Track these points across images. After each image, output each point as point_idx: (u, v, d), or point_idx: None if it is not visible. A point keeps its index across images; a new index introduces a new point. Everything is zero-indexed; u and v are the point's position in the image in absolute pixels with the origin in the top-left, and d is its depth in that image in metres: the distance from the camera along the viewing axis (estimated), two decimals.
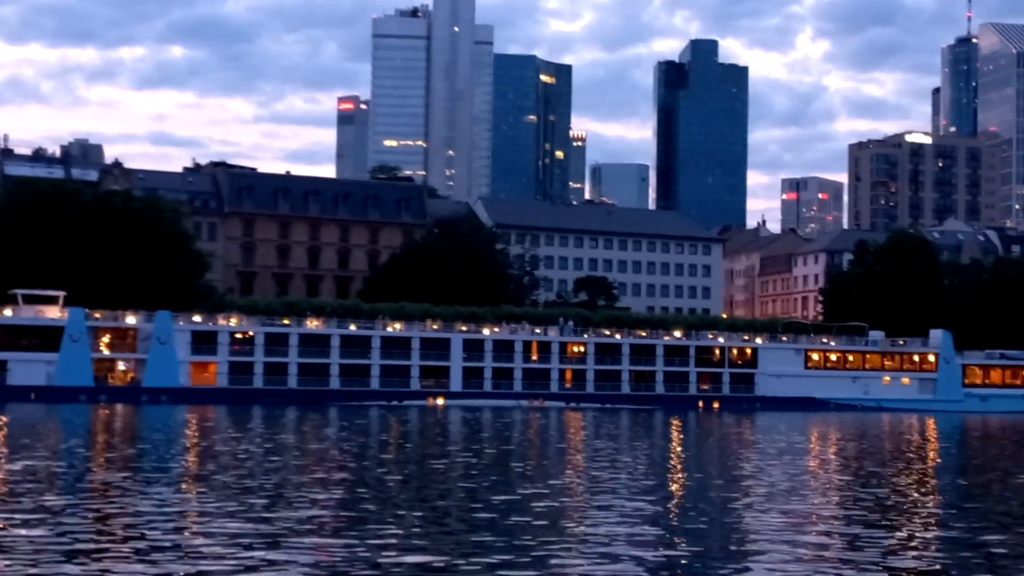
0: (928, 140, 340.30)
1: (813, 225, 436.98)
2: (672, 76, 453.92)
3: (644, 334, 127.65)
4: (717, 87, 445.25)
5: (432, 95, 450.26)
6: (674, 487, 39.58)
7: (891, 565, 23.31)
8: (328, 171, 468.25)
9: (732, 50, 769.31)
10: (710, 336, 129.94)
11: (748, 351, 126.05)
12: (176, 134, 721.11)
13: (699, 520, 30.27)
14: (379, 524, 27.04)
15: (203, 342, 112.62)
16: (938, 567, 23.91)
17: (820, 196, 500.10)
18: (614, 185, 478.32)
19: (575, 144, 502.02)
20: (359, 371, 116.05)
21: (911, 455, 57.60)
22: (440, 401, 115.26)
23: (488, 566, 21.97)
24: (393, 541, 24.30)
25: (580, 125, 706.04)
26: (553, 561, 22.79)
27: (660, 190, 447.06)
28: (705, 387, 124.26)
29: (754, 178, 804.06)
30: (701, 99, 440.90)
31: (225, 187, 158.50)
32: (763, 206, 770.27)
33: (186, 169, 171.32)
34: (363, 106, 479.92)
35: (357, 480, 38.68)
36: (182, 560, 20.97)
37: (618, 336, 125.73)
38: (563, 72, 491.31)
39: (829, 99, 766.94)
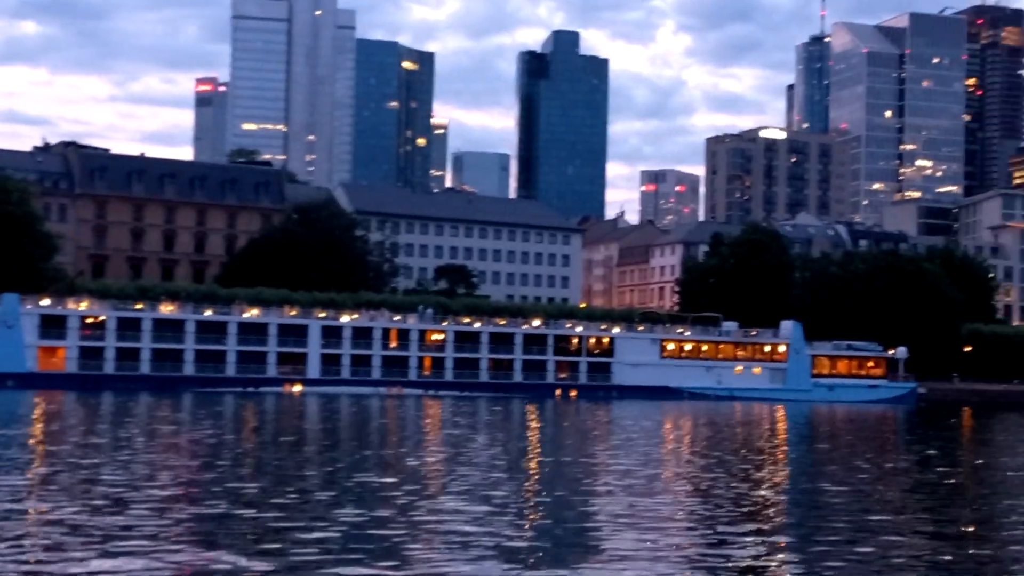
0: (782, 136, 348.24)
1: (671, 217, 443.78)
2: (534, 66, 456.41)
3: (503, 322, 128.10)
4: (578, 78, 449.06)
5: (293, 79, 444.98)
6: (527, 473, 39.78)
7: (734, 548, 23.78)
8: (185, 154, 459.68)
9: (595, 42, 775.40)
10: (568, 325, 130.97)
11: (605, 340, 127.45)
12: (26, 112, 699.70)
13: (549, 507, 30.47)
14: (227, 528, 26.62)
15: (52, 326, 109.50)
16: (777, 546, 24.49)
17: (678, 188, 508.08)
18: (476, 173, 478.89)
19: (437, 132, 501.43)
20: (214, 357, 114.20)
21: (759, 443, 58.91)
22: (297, 388, 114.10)
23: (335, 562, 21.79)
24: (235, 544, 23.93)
25: (443, 113, 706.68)
26: (404, 551, 22.69)
27: (521, 179, 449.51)
28: (563, 375, 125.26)
29: (614, 169, 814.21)
30: (562, 90, 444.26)
31: (76, 168, 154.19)
32: (623, 197, 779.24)
33: (36, 148, 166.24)
34: (222, 88, 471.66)
35: (205, 471, 38.04)
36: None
37: (477, 324, 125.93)
38: (426, 59, 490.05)
39: (689, 93, 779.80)
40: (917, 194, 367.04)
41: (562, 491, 33.68)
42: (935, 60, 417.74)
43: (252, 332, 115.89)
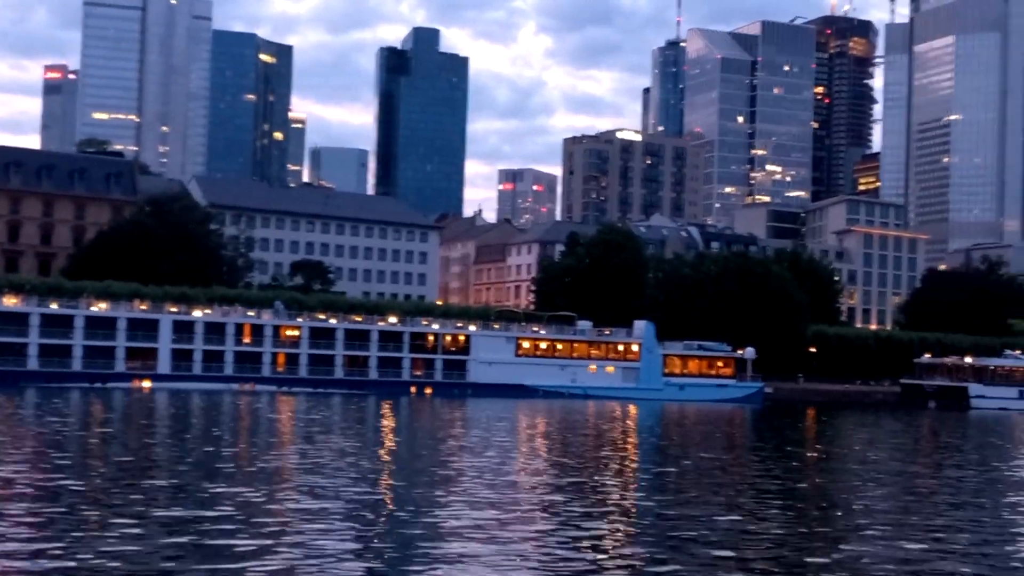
0: (638, 138, 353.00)
1: (528, 216, 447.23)
2: (394, 63, 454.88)
3: (359, 319, 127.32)
4: (438, 76, 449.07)
5: (146, 68, 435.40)
6: (379, 470, 39.72)
7: (580, 546, 24.13)
8: (33, 142, 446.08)
9: (456, 40, 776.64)
10: (424, 323, 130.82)
11: (461, 338, 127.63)
12: None
13: (397, 505, 30.48)
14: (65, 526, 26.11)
15: None
16: (626, 537, 24.93)
17: (535, 188, 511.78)
18: (333, 169, 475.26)
19: (295, 126, 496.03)
20: (60, 351, 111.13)
21: (611, 439, 59.73)
22: (146, 384, 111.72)
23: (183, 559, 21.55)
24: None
25: (301, 107, 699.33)
26: (259, 549, 22.50)
27: (380, 176, 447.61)
28: (418, 373, 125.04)
29: (473, 167, 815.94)
30: (422, 87, 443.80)
31: None
32: (481, 195, 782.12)
33: None
34: (72, 76, 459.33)
35: (44, 471, 37.16)
36: None
37: (333, 321, 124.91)
38: (284, 52, 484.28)
39: (549, 94, 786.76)
40: (767, 198, 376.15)
41: (411, 489, 33.70)
42: (786, 68, 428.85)
43: (100, 326, 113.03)
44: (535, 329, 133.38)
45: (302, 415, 74.07)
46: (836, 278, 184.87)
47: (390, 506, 29.87)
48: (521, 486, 35.63)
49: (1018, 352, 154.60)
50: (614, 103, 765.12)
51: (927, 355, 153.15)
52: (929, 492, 39.83)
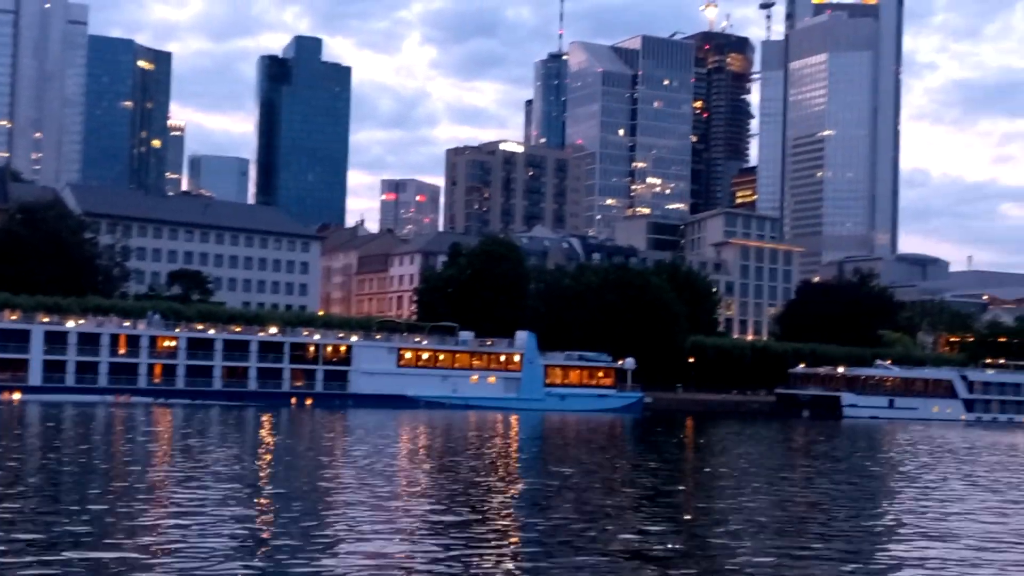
0: (520, 149, 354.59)
1: (411, 226, 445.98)
2: (276, 71, 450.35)
3: (238, 330, 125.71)
4: (321, 85, 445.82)
5: (19, 73, 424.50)
6: (256, 484, 39.35)
7: (460, 554, 24.24)
8: None
9: (340, 50, 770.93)
10: (305, 333, 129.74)
11: (342, 348, 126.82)
12: None
13: (276, 518, 30.26)
14: None
15: None
16: (498, 548, 25.11)
17: (418, 198, 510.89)
18: (213, 178, 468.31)
19: (174, 134, 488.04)
20: None
21: (490, 451, 59.91)
22: (16, 396, 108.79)
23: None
24: None
25: (181, 115, 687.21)
26: (127, 564, 22.19)
27: (260, 185, 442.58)
28: (299, 384, 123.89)
29: (356, 177, 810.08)
30: (304, 96, 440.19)
31: None
32: (364, 205, 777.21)
33: None
34: None
35: None
36: None
37: (211, 331, 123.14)
38: (163, 59, 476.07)
39: (433, 105, 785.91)
40: (647, 210, 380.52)
41: (287, 504, 33.46)
42: (665, 82, 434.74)
43: None
44: (417, 340, 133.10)
45: (177, 427, 72.90)
46: (714, 289, 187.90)
47: (260, 523, 29.63)
48: (398, 498, 35.60)
49: (888, 362, 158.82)
50: (498, 115, 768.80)
51: (801, 365, 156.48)
52: (800, 500, 40.75)
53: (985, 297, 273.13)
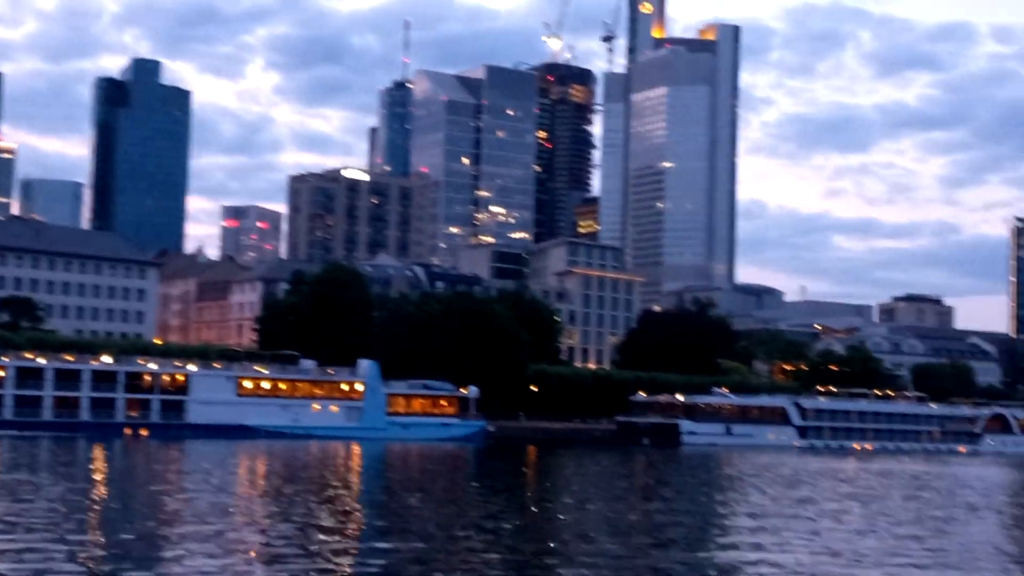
0: (365, 177, 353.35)
1: (252, 253, 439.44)
2: (112, 93, 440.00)
3: (70, 358, 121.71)
4: (159, 108, 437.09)
5: None
6: (82, 519, 37.99)
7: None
8: None
9: (182, 73, 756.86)
10: (141, 362, 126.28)
11: (179, 378, 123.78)
12: None
13: (102, 556, 29.21)
14: None
15: None
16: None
17: (260, 225, 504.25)
18: (46, 202, 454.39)
19: (5, 156, 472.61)
20: None
21: (330, 482, 59.06)
22: None
23: None
24: None
25: (13, 137, 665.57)
26: None
27: (96, 210, 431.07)
28: (134, 414, 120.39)
29: (196, 203, 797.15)
30: (142, 119, 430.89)
31: None
32: (204, 232, 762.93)
33: None
34: None
35: None
36: None
37: (41, 360, 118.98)
38: None
39: (277, 131, 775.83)
40: (491, 239, 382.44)
41: (115, 537, 32.32)
42: (509, 112, 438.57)
43: None
44: (257, 368, 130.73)
45: (20, 459, 70.11)
46: (557, 318, 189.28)
47: (87, 561, 28.53)
48: (231, 531, 34.70)
49: (725, 390, 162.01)
50: (342, 142, 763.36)
51: (641, 393, 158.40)
52: (636, 526, 41.04)
53: (817, 327, 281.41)
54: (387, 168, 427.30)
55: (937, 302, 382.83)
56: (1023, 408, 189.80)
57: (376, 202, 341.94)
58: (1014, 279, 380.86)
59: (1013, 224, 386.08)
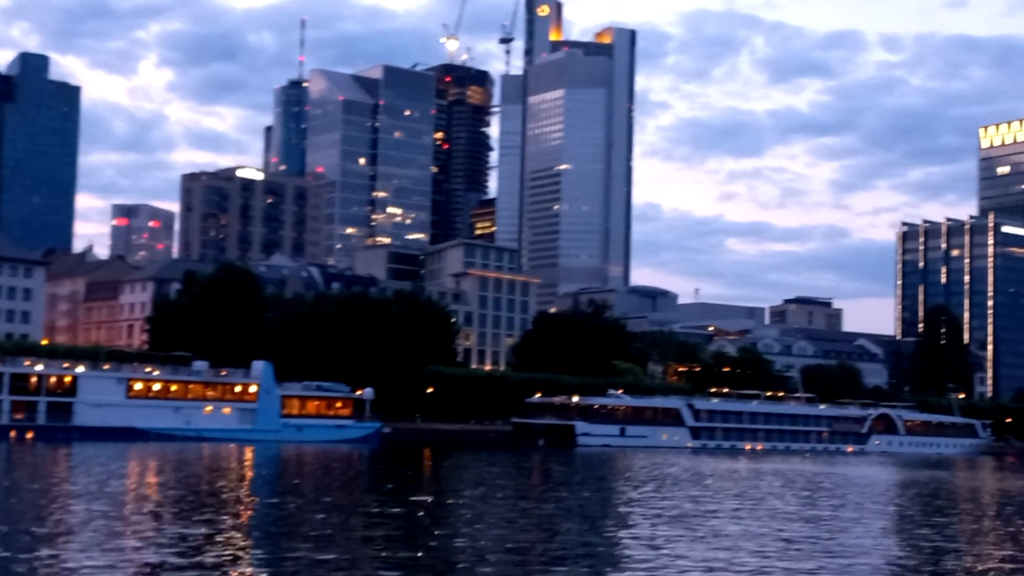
0: (259, 176, 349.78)
1: (143, 253, 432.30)
2: None
3: None
4: (47, 104, 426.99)
5: None
6: None
7: None
8: None
9: (72, 69, 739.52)
10: (27, 363, 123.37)
11: (67, 379, 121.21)
12: None
13: None
14: None
15: None
16: None
17: (151, 224, 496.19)
18: None
19: None
20: None
21: (221, 485, 58.31)
22: None
23: None
24: None
25: None
26: None
27: None
28: (19, 416, 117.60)
29: (85, 201, 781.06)
30: (29, 116, 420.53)
31: None
32: (93, 230, 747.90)
33: None
34: None
35: None
36: None
37: None
38: None
39: (170, 128, 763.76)
40: (387, 240, 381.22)
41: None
42: (406, 113, 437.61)
43: None
44: (148, 370, 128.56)
45: None
46: (453, 319, 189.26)
47: None
48: (119, 537, 34.04)
49: (620, 391, 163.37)
50: (237, 140, 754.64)
51: (537, 395, 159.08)
52: (532, 527, 41.14)
53: (711, 328, 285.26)
54: (282, 167, 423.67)
55: (826, 305, 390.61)
56: (908, 409, 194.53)
57: (271, 202, 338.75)
58: (900, 283, 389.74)
59: (900, 229, 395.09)
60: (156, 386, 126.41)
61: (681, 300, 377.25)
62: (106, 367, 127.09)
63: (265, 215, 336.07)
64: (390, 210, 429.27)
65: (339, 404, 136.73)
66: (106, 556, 29.22)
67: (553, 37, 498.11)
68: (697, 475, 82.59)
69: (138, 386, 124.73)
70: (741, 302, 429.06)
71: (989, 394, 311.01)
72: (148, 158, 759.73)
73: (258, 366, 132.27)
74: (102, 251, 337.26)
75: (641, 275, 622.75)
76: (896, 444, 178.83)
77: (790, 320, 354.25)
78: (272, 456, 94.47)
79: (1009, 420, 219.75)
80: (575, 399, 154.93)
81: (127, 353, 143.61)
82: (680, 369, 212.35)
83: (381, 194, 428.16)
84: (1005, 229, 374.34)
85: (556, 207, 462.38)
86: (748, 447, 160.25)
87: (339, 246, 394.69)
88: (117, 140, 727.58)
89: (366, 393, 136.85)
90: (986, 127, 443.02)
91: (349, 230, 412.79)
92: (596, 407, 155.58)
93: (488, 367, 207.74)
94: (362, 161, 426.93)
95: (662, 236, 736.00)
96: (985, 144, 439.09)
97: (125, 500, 47.94)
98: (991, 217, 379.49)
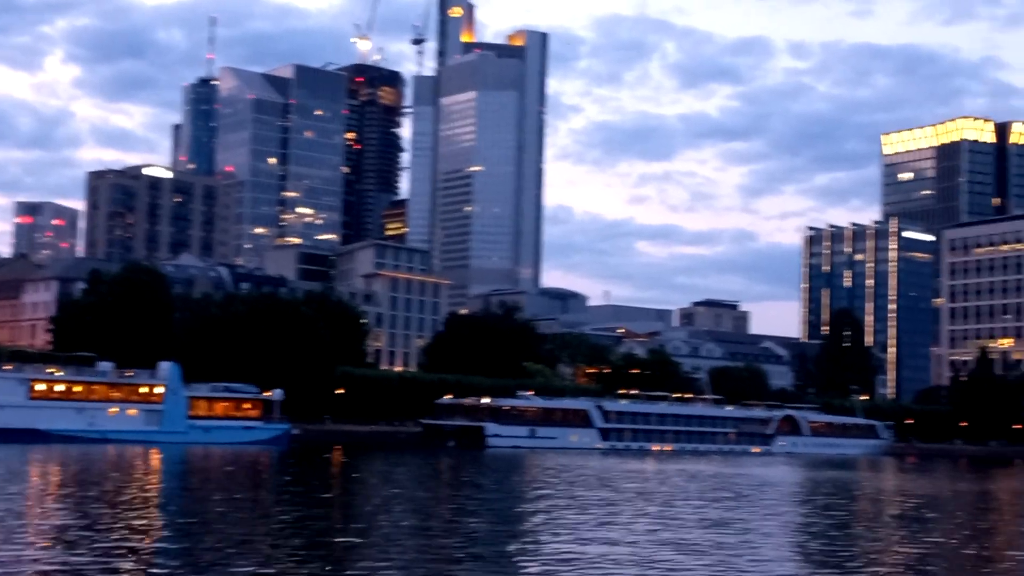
0: (168, 175, 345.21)
1: (47, 251, 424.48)
2: None
3: None
4: None
5: None
6: None
7: None
8: None
9: None
10: None
11: None
12: None
13: None
14: None
15: None
16: None
17: (56, 222, 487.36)
18: None
19: None
20: None
21: (122, 486, 57.66)
22: None
23: None
24: None
25: None
26: None
27: None
28: None
29: None
30: None
31: None
32: None
33: None
34: None
35: None
36: None
37: None
38: None
39: (76, 125, 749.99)
40: (298, 240, 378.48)
41: None
42: (318, 112, 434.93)
43: None
44: (51, 371, 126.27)
45: None
46: (363, 320, 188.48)
47: None
48: (15, 542, 33.60)
49: (530, 393, 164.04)
50: (145, 138, 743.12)
51: (448, 396, 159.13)
52: (433, 526, 41.29)
53: (620, 330, 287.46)
54: (191, 166, 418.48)
55: (734, 307, 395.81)
56: (812, 411, 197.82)
57: (179, 201, 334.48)
58: (806, 286, 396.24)
59: (805, 233, 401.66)
60: (59, 387, 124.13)
61: (591, 302, 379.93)
62: (8, 368, 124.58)
63: (173, 214, 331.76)
64: (300, 210, 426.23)
65: (247, 405, 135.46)
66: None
67: (465, 39, 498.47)
68: (603, 476, 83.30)
69: (40, 387, 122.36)
70: (651, 304, 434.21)
71: (891, 396, 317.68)
72: (53, 155, 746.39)
73: (165, 367, 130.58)
74: (4, 249, 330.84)
75: (552, 277, 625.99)
76: (801, 445, 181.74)
77: (698, 322, 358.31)
78: (178, 458, 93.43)
79: (910, 421, 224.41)
80: (485, 400, 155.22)
81: (29, 353, 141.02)
82: (590, 371, 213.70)
83: (292, 194, 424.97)
84: (907, 234, 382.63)
85: (468, 209, 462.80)
86: (656, 448, 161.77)
87: (249, 246, 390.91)
88: (21, 137, 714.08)
89: (275, 394, 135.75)
90: (889, 134, 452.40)
91: (259, 230, 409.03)
92: (506, 408, 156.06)
93: (399, 368, 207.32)
94: (272, 161, 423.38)
95: (573, 238, 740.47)
96: (888, 150, 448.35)
97: (24, 502, 47.24)
98: (894, 222, 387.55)
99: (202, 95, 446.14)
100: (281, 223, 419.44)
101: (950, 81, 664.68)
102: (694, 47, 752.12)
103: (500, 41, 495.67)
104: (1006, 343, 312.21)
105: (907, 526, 50.18)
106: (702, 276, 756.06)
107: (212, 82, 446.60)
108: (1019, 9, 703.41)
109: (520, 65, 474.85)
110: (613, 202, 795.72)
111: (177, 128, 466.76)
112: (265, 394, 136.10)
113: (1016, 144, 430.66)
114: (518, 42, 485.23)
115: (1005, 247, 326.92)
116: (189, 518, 42.32)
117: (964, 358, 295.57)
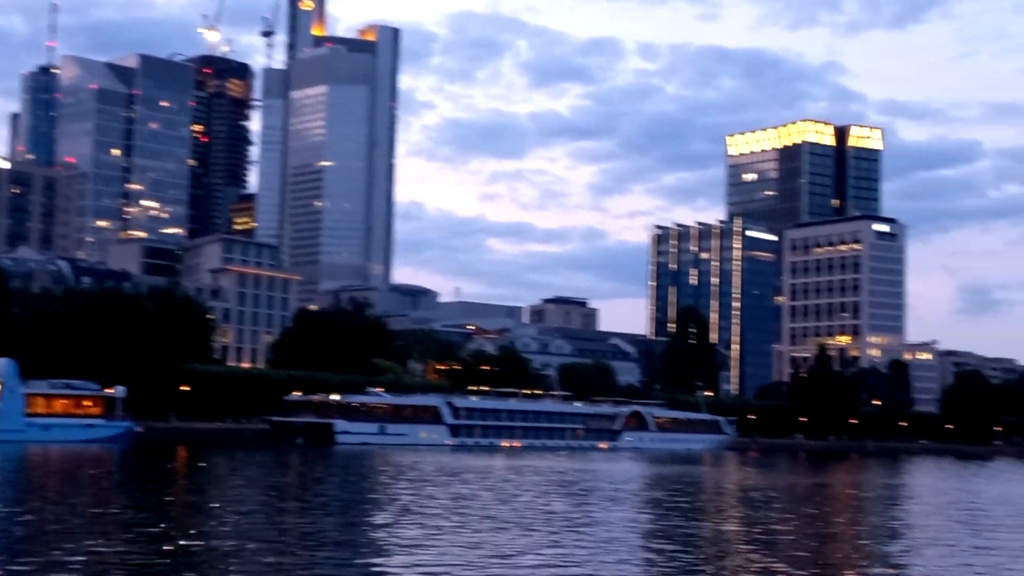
0: (6, 165, 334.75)
1: None
2: None
3: None
4: None
5: None
6: None
7: None
8: None
9: None
10: None
11: None
12: None
13: None
14: None
15: None
16: None
17: None
18: None
19: None
20: None
21: None
22: None
23: None
24: None
25: None
26: None
27: None
28: None
29: None
30: None
31: None
32: None
33: None
34: None
35: None
36: None
37: None
38: None
39: None
40: (142, 234, 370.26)
41: None
42: (163, 104, 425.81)
43: None
44: None
45: None
46: (210, 316, 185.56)
47: None
48: None
49: (380, 389, 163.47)
50: None
51: (296, 393, 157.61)
52: (281, 525, 40.94)
53: (471, 327, 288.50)
54: (30, 157, 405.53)
55: (583, 304, 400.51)
56: (659, 407, 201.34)
57: (17, 192, 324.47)
58: (653, 284, 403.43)
59: (653, 232, 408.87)
60: None
61: (442, 299, 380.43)
62: None
63: (11, 206, 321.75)
64: (145, 203, 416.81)
65: (88, 403, 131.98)
66: None
67: (316, 32, 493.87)
68: (451, 472, 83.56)
69: None
70: (501, 301, 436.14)
71: (735, 392, 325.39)
72: None
73: (1, 363, 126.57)
74: None
75: (403, 274, 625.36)
76: (647, 440, 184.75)
77: (548, 319, 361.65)
78: (15, 456, 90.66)
79: (752, 417, 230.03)
80: (334, 397, 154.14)
81: None
82: (440, 367, 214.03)
83: (136, 186, 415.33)
84: (750, 233, 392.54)
85: (318, 204, 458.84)
86: (506, 444, 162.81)
87: (91, 239, 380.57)
88: None
89: (117, 391, 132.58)
90: (733, 135, 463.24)
91: (101, 223, 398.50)
92: (356, 405, 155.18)
93: (247, 365, 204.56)
94: (116, 152, 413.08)
95: (424, 235, 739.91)
96: (732, 151, 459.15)
97: None
98: (738, 222, 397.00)
99: (42, 84, 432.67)
100: (125, 216, 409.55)
101: (793, 85, 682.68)
102: (546, 46, 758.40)
103: (352, 35, 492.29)
104: (843, 340, 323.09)
105: (738, 514, 51.46)
106: (552, 274, 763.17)
107: (53, 71, 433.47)
108: (859, 17, 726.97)
109: (371, 60, 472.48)
110: (465, 199, 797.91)
111: (15, 117, 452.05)
112: (107, 391, 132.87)
113: (854, 147, 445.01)
114: (370, 37, 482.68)
115: (843, 247, 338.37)
116: (21, 521, 41.14)
117: (804, 355, 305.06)
